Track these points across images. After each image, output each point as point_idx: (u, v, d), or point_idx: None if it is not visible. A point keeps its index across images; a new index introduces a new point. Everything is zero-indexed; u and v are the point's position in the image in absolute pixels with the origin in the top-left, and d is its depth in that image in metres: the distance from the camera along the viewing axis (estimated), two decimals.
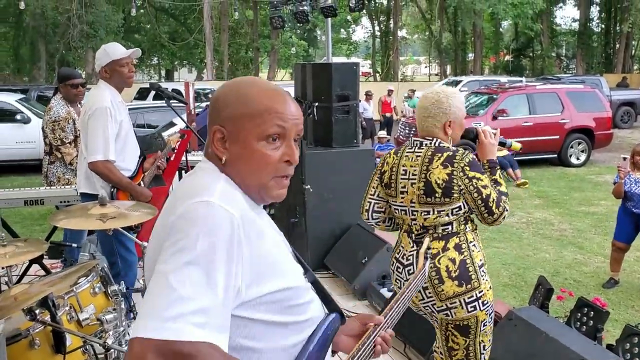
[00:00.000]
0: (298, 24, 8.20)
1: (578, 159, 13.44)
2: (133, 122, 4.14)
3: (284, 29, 14.01)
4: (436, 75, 45.65)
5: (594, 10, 42.54)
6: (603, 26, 42.33)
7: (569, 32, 45.19)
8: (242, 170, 1.36)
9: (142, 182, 3.85)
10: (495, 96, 13.69)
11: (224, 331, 1.17)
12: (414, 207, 2.76)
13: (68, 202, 4.62)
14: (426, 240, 2.37)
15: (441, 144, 2.77)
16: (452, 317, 2.72)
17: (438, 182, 2.67)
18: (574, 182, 11.60)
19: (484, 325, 2.75)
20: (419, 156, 2.77)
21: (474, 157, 2.72)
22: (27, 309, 2.16)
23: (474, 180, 2.64)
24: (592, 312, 3.30)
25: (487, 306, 2.73)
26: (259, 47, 34.64)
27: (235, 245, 1.21)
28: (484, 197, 2.63)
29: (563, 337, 2.92)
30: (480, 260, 2.73)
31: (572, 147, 13.38)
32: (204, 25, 29.52)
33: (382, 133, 14.41)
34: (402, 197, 2.79)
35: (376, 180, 2.95)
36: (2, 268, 3.65)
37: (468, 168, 2.65)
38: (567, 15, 63.70)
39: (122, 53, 3.76)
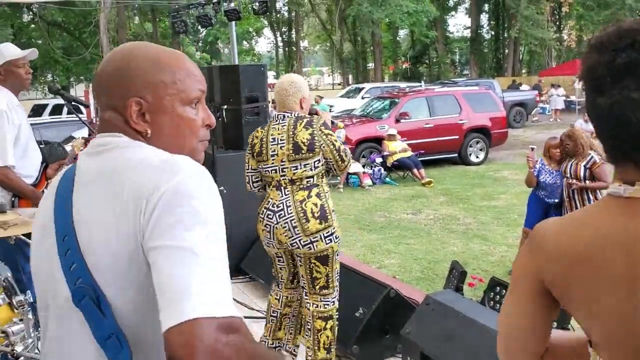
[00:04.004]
0: (202, 28, 8.10)
1: (477, 157, 14.03)
2: None
3: (187, 34, 13.85)
4: (339, 84, 46.46)
5: (484, 18, 44.93)
6: (493, 33, 44.75)
7: (461, 39, 47.42)
8: (170, 140, 1.28)
9: (44, 190, 3.63)
10: (397, 100, 14.11)
11: None
12: (284, 165, 3.49)
13: None
14: None
15: (299, 115, 3.54)
16: (314, 249, 3.46)
17: (303, 140, 3.45)
18: (475, 179, 12.11)
19: (337, 255, 3.53)
20: (284, 126, 3.53)
21: (325, 121, 3.65)
22: None
23: (329, 136, 3.49)
24: (504, 291, 3.44)
25: (338, 240, 3.52)
26: None
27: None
28: (337, 147, 3.49)
29: (479, 316, 3.02)
30: (332, 207, 3.53)
31: (471, 146, 13.95)
32: (100, 39, 28.52)
33: None
34: (273, 159, 3.52)
35: (247, 155, 3.70)
36: None
37: (324, 128, 3.51)
38: (459, 23, 67.09)
39: (18, 53, 3.54)
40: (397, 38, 46.70)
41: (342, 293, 3.86)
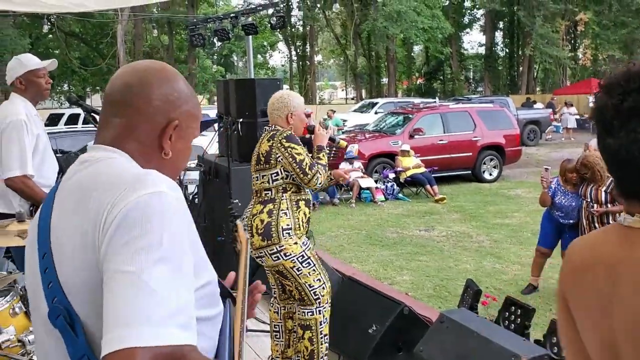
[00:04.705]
0: (219, 42, 8.18)
1: (491, 174, 13.96)
2: None
3: (204, 48, 13.98)
4: (352, 99, 46.53)
5: (499, 35, 44.96)
6: (507, 50, 44.72)
7: (476, 56, 47.44)
8: (175, 164, 1.35)
9: None
10: (411, 116, 14.10)
11: (195, 327, 1.09)
12: (253, 175, 3.67)
13: None
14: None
15: (274, 128, 3.63)
16: (265, 263, 3.60)
17: (262, 152, 3.57)
18: (488, 197, 12.05)
19: (298, 270, 3.55)
20: (262, 139, 3.67)
21: (291, 134, 3.58)
22: None
23: (289, 149, 3.50)
24: (519, 310, 3.42)
25: (291, 257, 3.53)
26: None
27: (190, 234, 1.16)
28: (298, 161, 3.48)
29: (494, 335, 3.00)
30: (288, 225, 3.53)
31: (484, 163, 13.90)
32: (117, 50, 28.81)
33: None
34: (252, 168, 3.69)
35: None
36: None
37: (285, 140, 3.52)
38: (473, 40, 67.15)
39: (38, 63, 3.59)
40: (412, 54, 46.77)
41: (354, 309, 3.84)
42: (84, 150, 10.78)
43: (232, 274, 1.57)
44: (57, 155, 3.97)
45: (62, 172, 3.78)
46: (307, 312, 3.62)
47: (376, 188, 11.84)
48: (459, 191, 12.72)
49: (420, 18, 30.48)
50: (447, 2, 38.12)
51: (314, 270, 3.61)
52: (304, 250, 3.58)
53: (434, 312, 4.03)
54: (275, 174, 3.54)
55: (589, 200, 5.59)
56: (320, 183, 3.57)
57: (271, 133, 3.60)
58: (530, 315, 3.37)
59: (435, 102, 17.96)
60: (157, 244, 1.07)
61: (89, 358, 1.11)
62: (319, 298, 3.61)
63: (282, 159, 3.50)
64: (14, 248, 3.48)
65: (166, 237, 1.08)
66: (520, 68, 41.60)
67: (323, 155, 3.72)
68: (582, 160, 5.71)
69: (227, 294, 1.44)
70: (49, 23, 26.37)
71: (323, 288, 3.64)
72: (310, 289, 3.58)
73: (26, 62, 3.58)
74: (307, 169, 3.49)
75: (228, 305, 1.40)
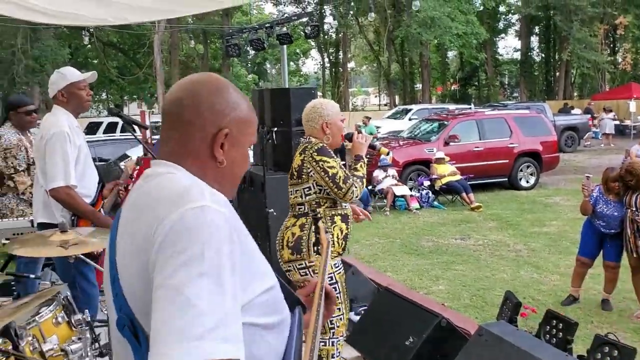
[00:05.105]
0: (254, 51, 8.25)
1: (527, 182, 13.73)
2: None
3: (239, 57, 14.13)
4: (385, 105, 46.40)
5: (534, 40, 44.34)
6: (543, 55, 44.08)
7: (511, 61, 46.86)
8: (233, 174, 1.37)
9: (101, 210, 3.73)
10: (446, 122, 13.97)
11: (240, 340, 1.09)
12: (289, 188, 3.55)
13: (22, 234, 4.42)
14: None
15: (310, 140, 3.50)
16: (292, 278, 3.44)
17: (295, 167, 3.46)
18: (525, 204, 11.85)
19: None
20: (296, 152, 3.56)
21: (323, 146, 3.43)
22: None
23: (321, 163, 3.35)
24: (561, 324, 3.34)
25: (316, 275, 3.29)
26: None
27: (234, 246, 1.15)
28: (330, 174, 3.32)
29: (534, 350, 2.93)
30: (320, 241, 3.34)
31: (521, 170, 13.66)
32: (154, 59, 29.30)
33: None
34: (288, 183, 3.58)
35: None
36: None
37: (316, 154, 3.38)
38: (509, 45, 66.27)
39: (79, 76, 3.67)
40: (446, 59, 46.43)
41: (391, 320, 3.81)
42: (122, 158, 10.97)
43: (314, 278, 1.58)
44: (96, 163, 4.04)
45: (101, 182, 3.86)
46: (321, 343, 3.39)
47: (411, 196, 11.75)
48: (495, 199, 12.54)
49: (454, 24, 30.22)
50: (482, 7, 37.75)
51: (337, 297, 3.38)
52: (334, 273, 3.41)
53: (472, 324, 3.97)
54: (307, 189, 3.40)
55: (634, 209, 5.47)
56: (356, 196, 3.40)
57: (303, 146, 3.48)
58: (573, 329, 3.28)
59: (470, 108, 17.77)
60: (197, 258, 1.08)
61: None
62: (333, 328, 3.42)
63: (314, 174, 3.36)
64: (56, 258, 3.55)
65: (207, 252, 1.09)
66: (557, 73, 40.94)
67: (361, 166, 3.54)
68: (627, 167, 5.59)
69: (296, 302, 1.44)
70: (88, 34, 26.99)
71: (340, 319, 3.45)
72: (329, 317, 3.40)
73: (68, 75, 3.65)
74: (340, 183, 3.33)
75: (297, 313, 1.40)
